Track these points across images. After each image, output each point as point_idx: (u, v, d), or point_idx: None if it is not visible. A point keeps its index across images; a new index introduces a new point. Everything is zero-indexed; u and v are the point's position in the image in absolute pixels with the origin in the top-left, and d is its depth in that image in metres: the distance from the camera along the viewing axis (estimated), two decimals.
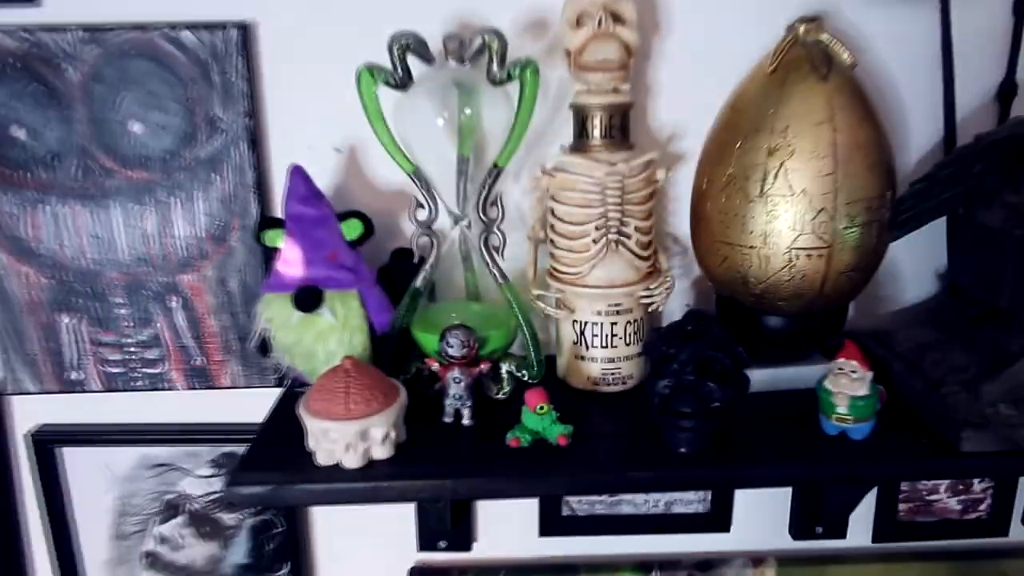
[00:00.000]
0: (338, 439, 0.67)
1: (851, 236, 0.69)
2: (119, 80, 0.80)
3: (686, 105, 0.83)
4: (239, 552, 1.00)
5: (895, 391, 0.75)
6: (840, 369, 0.68)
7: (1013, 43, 0.82)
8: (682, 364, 0.68)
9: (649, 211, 0.77)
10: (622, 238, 0.75)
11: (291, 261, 0.77)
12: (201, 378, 0.90)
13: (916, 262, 0.89)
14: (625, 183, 0.74)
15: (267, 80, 0.83)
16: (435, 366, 0.74)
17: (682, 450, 0.69)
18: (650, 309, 0.80)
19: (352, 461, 0.68)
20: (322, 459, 0.68)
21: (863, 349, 0.69)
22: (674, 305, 0.90)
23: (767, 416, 0.74)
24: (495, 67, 0.70)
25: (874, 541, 1.00)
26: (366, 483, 0.66)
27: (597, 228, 0.75)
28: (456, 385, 0.73)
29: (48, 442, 0.94)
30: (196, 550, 1.00)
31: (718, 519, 0.98)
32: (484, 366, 0.74)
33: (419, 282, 0.77)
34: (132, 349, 0.89)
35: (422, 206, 0.76)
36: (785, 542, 1.00)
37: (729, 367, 0.69)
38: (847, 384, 0.67)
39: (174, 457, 0.96)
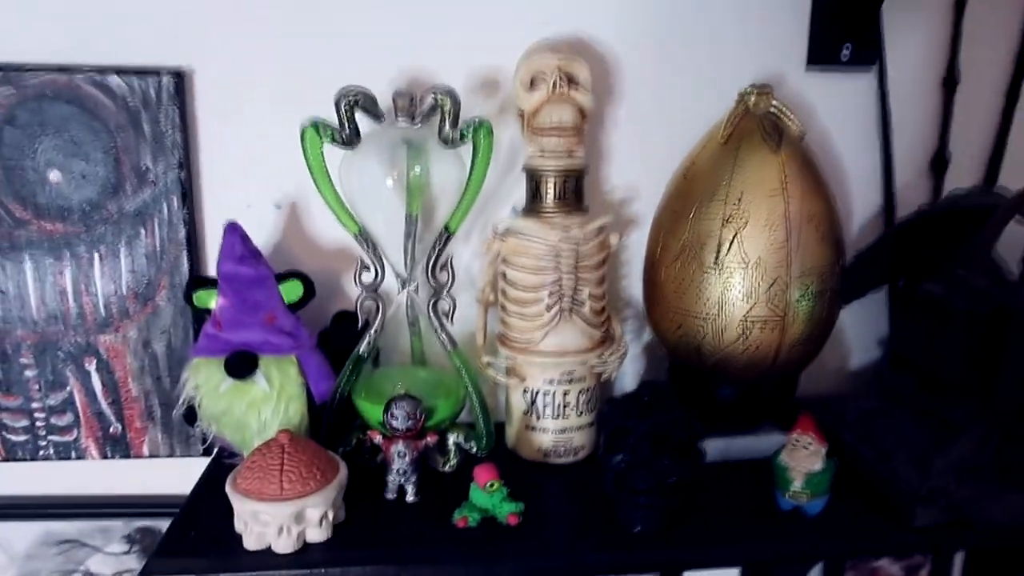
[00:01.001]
0: (270, 522, 0.61)
1: (804, 306, 0.69)
2: (36, 125, 0.74)
3: (638, 170, 0.82)
4: None
5: (846, 461, 0.75)
6: (796, 443, 0.67)
7: (944, 116, 0.85)
8: (638, 438, 0.66)
9: (603, 276, 0.76)
10: (576, 305, 0.73)
11: (224, 323, 0.72)
12: (118, 447, 0.83)
13: (860, 329, 0.90)
14: (579, 248, 0.72)
15: (202, 131, 0.78)
16: (378, 438, 0.69)
17: (638, 528, 0.66)
18: (603, 378, 0.78)
19: (285, 546, 0.62)
20: (251, 543, 0.62)
21: (818, 422, 0.69)
22: (626, 371, 0.88)
23: (721, 490, 0.72)
24: (447, 127, 0.68)
25: None
26: (300, 570, 0.61)
27: (551, 294, 0.72)
28: (400, 460, 0.69)
29: None
30: None
31: None
32: (431, 438, 0.70)
33: (363, 348, 0.73)
34: (39, 415, 0.81)
35: (367, 268, 0.72)
36: None
37: (685, 441, 0.67)
38: (803, 459, 0.66)
39: (82, 532, 0.87)
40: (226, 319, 0.72)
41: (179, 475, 0.82)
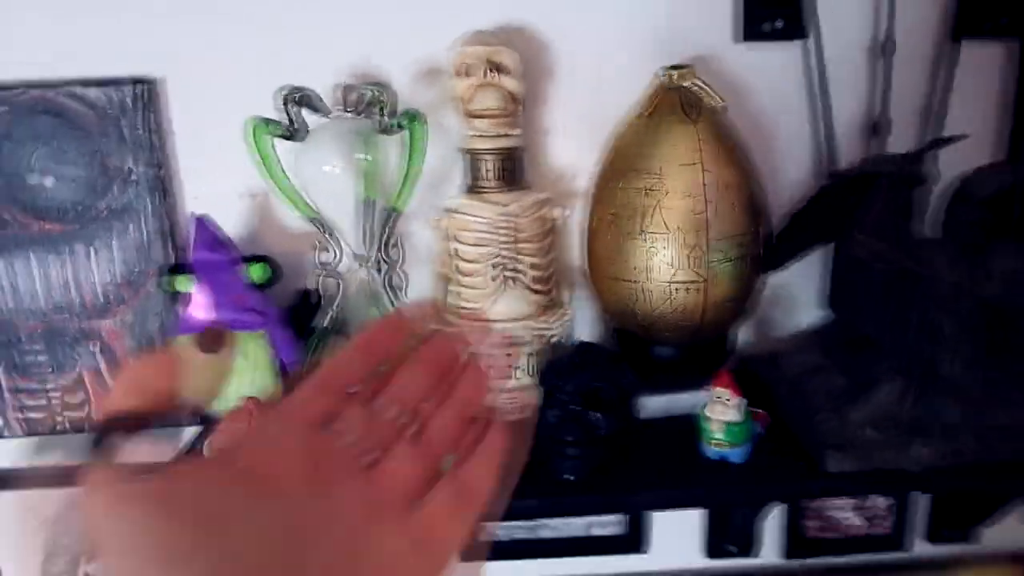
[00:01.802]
0: None
1: (724, 270, 0.74)
2: (29, 137, 0.83)
3: (579, 146, 0.87)
4: None
5: (778, 414, 0.79)
6: (717, 397, 0.72)
7: (883, 85, 0.87)
8: (569, 395, 0.72)
9: (545, 248, 0.81)
10: (516, 274, 0.79)
11: (199, 305, 0.80)
12: None
13: (807, 289, 0.94)
14: (516, 222, 0.78)
15: (177, 132, 0.86)
16: None
17: (567, 477, 0.72)
18: (545, 342, 0.84)
19: None
20: None
21: (737, 377, 0.73)
22: (582, 335, 0.94)
23: (655, 442, 0.77)
24: (384, 118, 0.74)
25: (785, 558, 1.03)
26: None
27: (494, 266, 0.78)
28: None
29: None
30: None
31: (635, 540, 1.01)
32: None
33: (326, 322, 0.80)
34: (54, 394, 0.91)
35: (325, 249, 0.79)
36: (701, 561, 1.03)
37: (614, 398, 0.73)
38: (721, 411, 0.71)
39: None
40: (201, 301, 0.80)
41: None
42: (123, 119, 0.83)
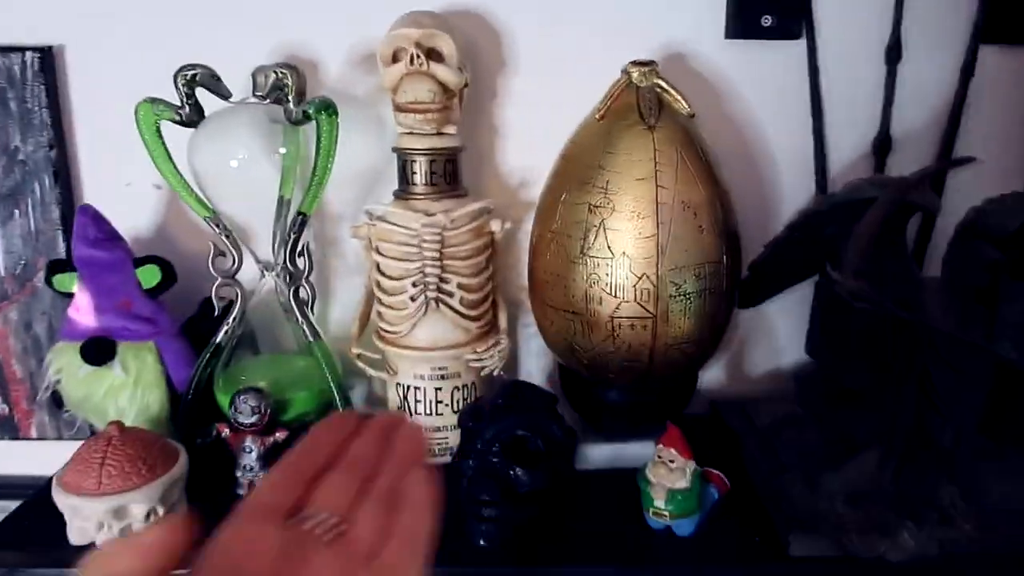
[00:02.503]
0: (90, 516, 0.59)
1: (679, 305, 0.62)
2: None
3: (536, 149, 0.76)
4: None
5: (745, 473, 0.68)
6: (659, 457, 0.61)
7: (887, 93, 0.75)
8: (487, 443, 0.61)
9: (481, 265, 0.70)
10: (442, 296, 0.68)
11: (82, 308, 0.70)
12: (6, 428, 0.82)
13: (791, 325, 0.82)
14: (446, 235, 0.67)
15: (76, 109, 0.76)
16: (225, 432, 0.66)
17: (481, 543, 0.61)
18: (483, 374, 0.73)
19: (107, 543, 0.60)
20: (75, 538, 0.60)
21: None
22: (531, 369, 0.83)
23: (596, 501, 0.66)
24: (291, 104, 0.63)
25: None
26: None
27: (415, 284, 0.67)
28: (247, 455, 0.65)
29: None
30: None
31: None
32: (280, 434, 0.66)
33: (220, 336, 0.70)
34: None
35: (222, 254, 0.69)
36: None
37: (542, 450, 0.62)
38: (665, 475, 0.60)
39: None
40: (84, 303, 0.69)
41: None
42: (11, 90, 0.73)
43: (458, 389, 0.71)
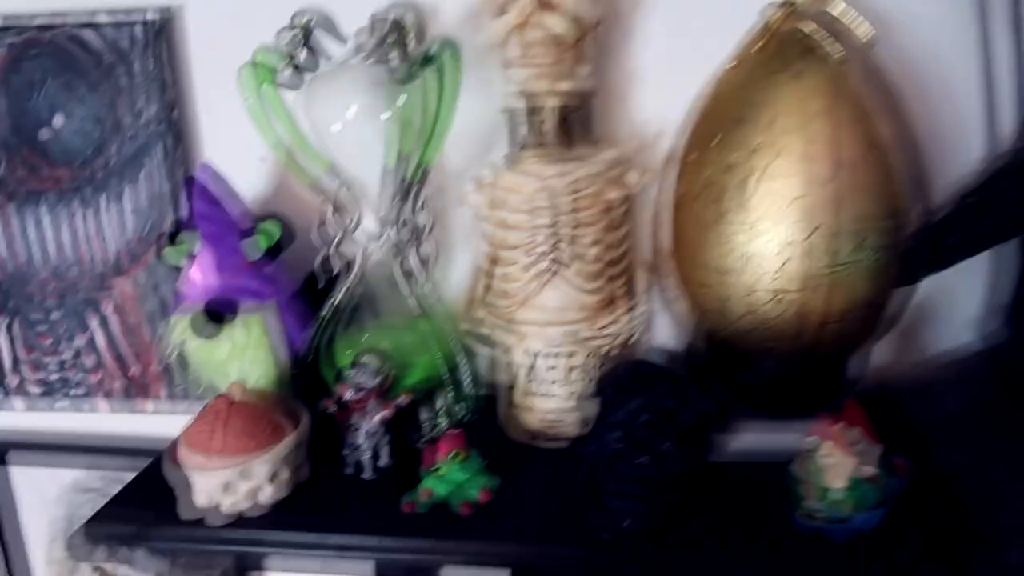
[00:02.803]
0: (214, 478, 0.57)
1: (859, 264, 0.53)
2: (37, 72, 0.73)
3: (667, 97, 0.68)
4: None
5: (928, 470, 0.57)
6: (813, 450, 0.51)
7: None
8: (630, 416, 0.54)
9: (612, 226, 0.63)
10: (563, 264, 0.61)
11: (202, 270, 0.68)
12: (139, 389, 0.83)
13: (977, 290, 0.70)
14: (576, 193, 0.60)
15: (196, 70, 0.74)
16: (347, 395, 0.63)
17: (624, 525, 0.54)
18: (604, 350, 0.65)
19: (231, 505, 0.58)
20: (201, 499, 0.59)
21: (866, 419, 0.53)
22: (664, 342, 0.75)
23: (743, 491, 0.58)
24: (409, 48, 0.58)
25: None
26: (238, 532, 0.56)
27: (529, 253, 0.61)
28: (368, 420, 0.62)
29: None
30: None
31: None
32: (403, 399, 0.62)
33: (337, 299, 0.66)
34: (67, 355, 0.83)
35: (339, 212, 0.65)
36: None
37: (690, 425, 0.54)
38: (843, 460, 0.51)
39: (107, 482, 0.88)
40: (204, 265, 0.68)
41: None
42: (132, 52, 0.72)
43: (575, 368, 0.64)
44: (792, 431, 0.61)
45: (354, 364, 0.62)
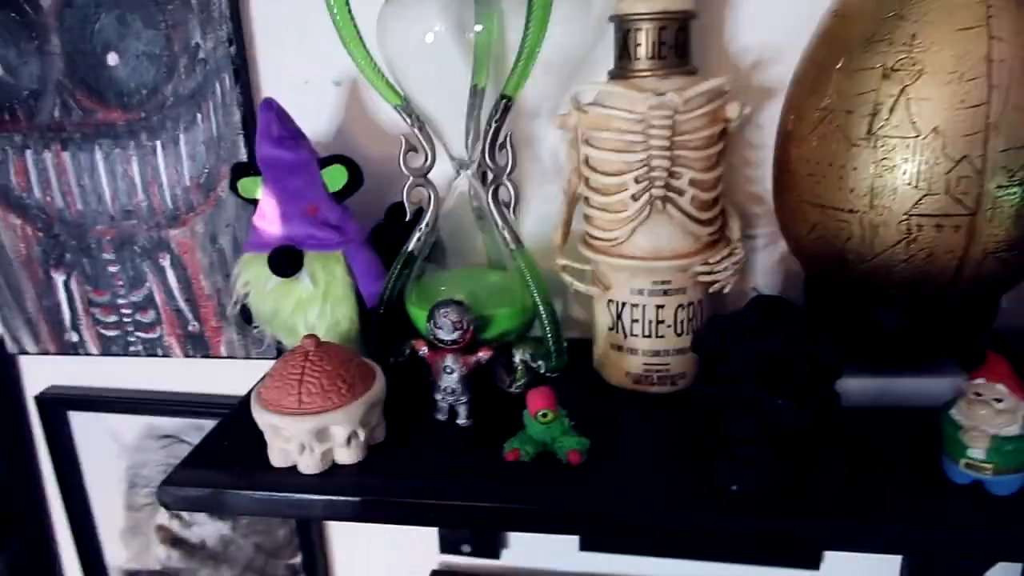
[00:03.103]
0: (291, 437, 0.54)
1: (1010, 199, 0.47)
2: (92, 4, 0.69)
3: (785, 19, 0.61)
4: (251, 535, 0.92)
5: None
6: (978, 394, 0.47)
7: None
8: (741, 369, 0.50)
9: (714, 159, 0.58)
10: (671, 194, 0.56)
11: (267, 216, 0.64)
12: (198, 345, 0.80)
13: None
14: (677, 120, 0.54)
15: (253, 2, 0.69)
16: (424, 349, 0.59)
17: (733, 487, 0.50)
18: (712, 290, 0.61)
19: (308, 465, 0.55)
20: (277, 459, 0.56)
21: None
22: (763, 287, 0.70)
23: (866, 446, 0.53)
24: None
25: None
26: (321, 496, 0.53)
27: (637, 180, 0.56)
28: (448, 376, 0.58)
29: (56, 404, 0.89)
30: (206, 528, 0.92)
31: (805, 551, 0.78)
32: (484, 353, 0.58)
33: (412, 244, 0.62)
34: (126, 311, 0.80)
35: (414, 149, 0.60)
36: None
37: (808, 377, 0.50)
38: (988, 417, 0.46)
39: (179, 429, 0.87)
40: (269, 210, 0.64)
41: (257, 377, 0.79)
42: None
43: (683, 307, 0.60)
44: (908, 382, 0.57)
45: (429, 318, 0.58)
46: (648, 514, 0.49)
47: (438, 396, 0.59)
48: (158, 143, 0.73)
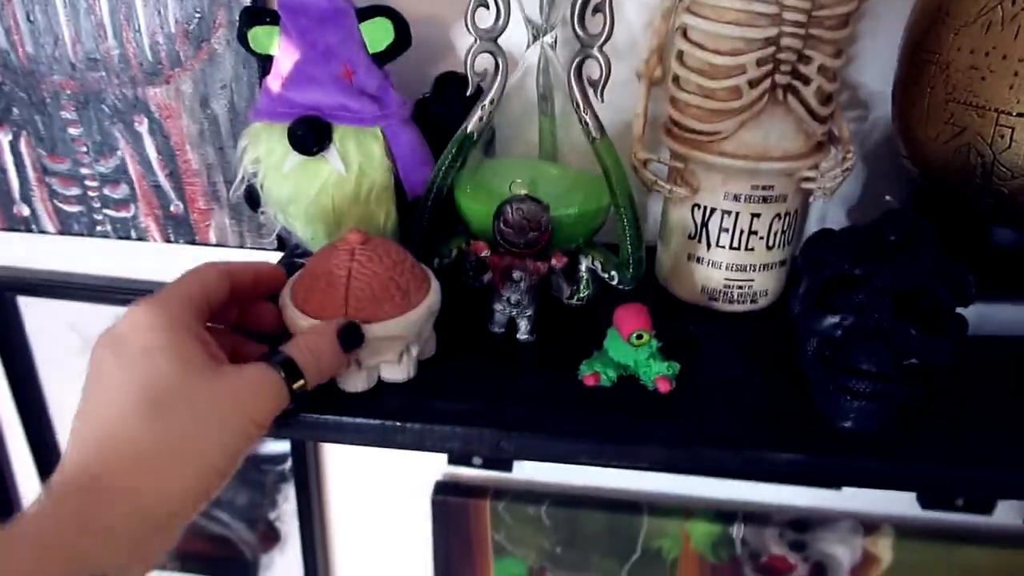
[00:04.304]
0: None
1: None
2: None
3: None
4: None
5: None
6: None
7: None
8: (875, 294, 0.43)
9: (842, 42, 0.49)
10: (796, 82, 0.47)
11: (288, 77, 0.52)
12: (181, 230, 0.69)
13: None
14: None
15: None
16: (485, 252, 0.50)
17: (846, 424, 0.45)
18: (812, 198, 0.53)
19: (353, 383, 0.46)
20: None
21: None
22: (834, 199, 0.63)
23: (976, 380, 0.49)
24: None
25: None
26: (367, 419, 0.45)
27: (760, 63, 0.47)
28: (513, 285, 0.49)
29: (1, 288, 0.76)
30: None
31: None
32: (557, 261, 0.50)
33: (472, 124, 0.51)
34: (91, 183, 0.67)
35: (485, 4, 0.48)
36: (911, 509, 0.78)
37: (947, 307, 0.44)
38: None
39: None
40: (291, 71, 0.52)
41: None
42: None
43: (779, 217, 0.53)
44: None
45: (497, 215, 0.48)
46: (757, 456, 0.44)
47: (498, 307, 0.51)
48: None
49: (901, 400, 0.44)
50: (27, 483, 0.91)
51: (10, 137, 0.66)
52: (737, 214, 0.52)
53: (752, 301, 0.56)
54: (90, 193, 0.67)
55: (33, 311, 0.77)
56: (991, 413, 0.46)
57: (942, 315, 0.43)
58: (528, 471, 0.81)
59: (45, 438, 0.83)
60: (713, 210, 0.53)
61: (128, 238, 0.69)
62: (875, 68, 0.58)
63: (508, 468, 0.80)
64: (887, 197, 0.56)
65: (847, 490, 0.77)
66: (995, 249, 0.51)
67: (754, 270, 0.54)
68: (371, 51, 0.51)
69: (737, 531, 0.78)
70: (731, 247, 0.53)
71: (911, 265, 0.43)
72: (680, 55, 0.51)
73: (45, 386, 0.82)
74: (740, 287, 0.55)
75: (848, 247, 0.45)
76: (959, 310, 0.44)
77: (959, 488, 0.44)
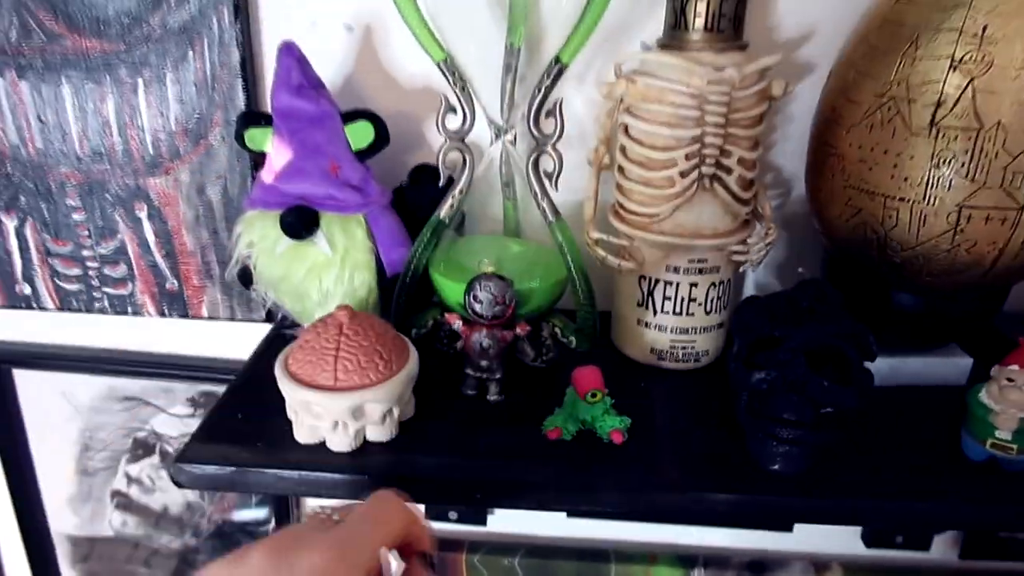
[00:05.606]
0: (323, 415, 0.51)
1: None
2: None
3: None
4: (223, 501, 0.87)
5: None
6: (1010, 380, 0.49)
7: None
8: (791, 353, 0.50)
9: (757, 138, 0.57)
10: (720, 172, 0.55)
11: (280, 171, 0.59)
12: (175, 305, 0.74)
13: None
14: (733, 97, 0.53)
15: None
16: (457, 323, 0.57)
17: (775, 468, 0.51)
18: (741, 269, 0.61)
19: (340, 443, 0.52)
20: (303, 436, 0.53)
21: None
22: (776, 266, 0.72)
23: (884, 424, 0.56)
24: None
25: (962, 557, 0.84)
26: (355, 475, 0.51)
27: (688, 157, 0.55)
28: (483, 353, 0.56)
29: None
30: (170, 495, 0.87)
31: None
32: (521, 329, 0.57)
33: (444, 211, 0.59)
34: (91, 264, 0.73)
35: (453, 110, 0.56)
36: (856, 548, 0.84)
37: (854, 362, 0.51)
38: (1019, 401, 0.49)
39: (146, 391, 0.81)
40: (283, 165, 0.59)
41: (242, 340, 0.74)
42: None
43: (715, 286, 0.60)
44: (916, 361, 0.60)
45: (467, 291, 0.55)
46: (699, 497, 0.50)
47: (470, 371, 0.57)
48: (140, 80, 0.65)
49: (820, 444, 0.51)
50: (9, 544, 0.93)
51: (16, 222, 0.71)
52: (678, 284, 0.60)
53: (695, 360, 0.63)
54: (90, 272, 0.73)
55: (27, 381, 0.81)
56: (900, 453, 0.53)
57: (851, 369, 0.51)
58: (501, 523, 0.86)
59: (29, 495, 0.86)
60: (657, 281, 0.60)
61: (125, 313, 0.75)
62: (792, 154, 0.67)
63: (482, 521, 0.85)
64: (800, 269, 0.64)
65: (799, 531, 0.83)
66: (897, 311, 0.59)
67: (696, 332, 0.61)
68: (354, 149, 0.59)
69: (699, 574, 0.83)
70: (674, 312, 0.61)
71: (821, 327, 0.50)
72: (623, 149, 0.59)
73: (34, 449, 0.85)
74: (684, 347, 0.62)
75: (769, 313, 0.52)
76: (866, 364, 0.51)
77: (873, 519, 0.50)
